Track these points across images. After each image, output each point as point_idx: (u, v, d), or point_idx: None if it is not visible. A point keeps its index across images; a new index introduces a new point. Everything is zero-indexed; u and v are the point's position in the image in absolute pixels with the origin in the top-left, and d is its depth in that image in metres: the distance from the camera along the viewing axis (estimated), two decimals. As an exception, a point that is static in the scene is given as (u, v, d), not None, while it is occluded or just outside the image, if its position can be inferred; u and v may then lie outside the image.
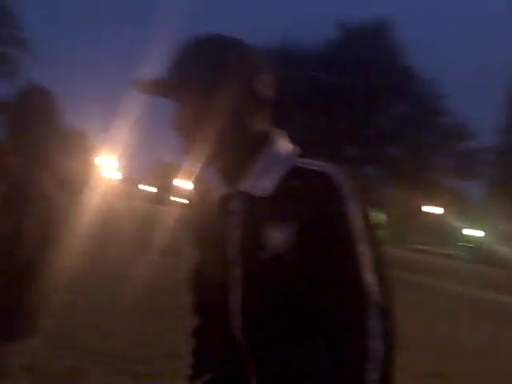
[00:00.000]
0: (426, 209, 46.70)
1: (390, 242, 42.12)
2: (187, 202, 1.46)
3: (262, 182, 1.24)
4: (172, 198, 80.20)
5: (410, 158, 33.01)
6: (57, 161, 2.36)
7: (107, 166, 53.42)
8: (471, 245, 61.37)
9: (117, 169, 61.28)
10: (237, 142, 1.27)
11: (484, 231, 54.79)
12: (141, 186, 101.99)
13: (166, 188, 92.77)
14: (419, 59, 36.33)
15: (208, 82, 1.22)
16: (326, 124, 33.80)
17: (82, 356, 4.98)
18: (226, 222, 1.29)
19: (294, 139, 1.33)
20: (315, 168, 1.21)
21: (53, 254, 2.30)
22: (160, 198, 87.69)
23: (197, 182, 1.44)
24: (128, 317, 6.43)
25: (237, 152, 1.28)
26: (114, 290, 7.73)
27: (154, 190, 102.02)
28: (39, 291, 2.29)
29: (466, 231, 60.49)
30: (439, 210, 47.36)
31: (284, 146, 1.31)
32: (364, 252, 1.19)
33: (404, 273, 20.52)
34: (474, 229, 58.15)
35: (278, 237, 1.19)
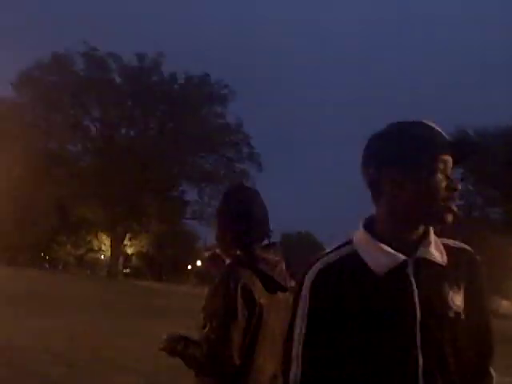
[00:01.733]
0: None
1: None
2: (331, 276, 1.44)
3: (436, 252, 1.43)
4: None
5: None
6: (265, 259, 2.29)
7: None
8: None
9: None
10: (421, 218, 1.44)
11: None
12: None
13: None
14: None
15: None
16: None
17: None
18: (406, 284, 1.39)
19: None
20: (461, 246, 1.54)
21: (264, 357, 2.19)
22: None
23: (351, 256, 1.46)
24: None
25: (417, 226, 1.44)
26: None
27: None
28: None
29: None
30: None
31: None
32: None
33: None
34: None
35: (456, 297, 1.42)
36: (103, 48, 50.79)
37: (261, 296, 2.19)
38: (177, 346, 2.19)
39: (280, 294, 2.31)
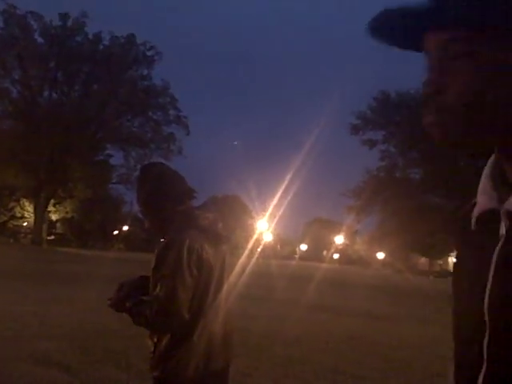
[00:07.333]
0: None
1: None
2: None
3: None
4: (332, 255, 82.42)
5: None
6: (205, 216, 2.40)
7: (263, 229, 55.24)
8: None
9: (271, 230, 62.80)
10: None
11: None
12: (302, 246, 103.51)
13: (321, 245, 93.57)
14: None
15: None
16: None
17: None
18: (486, 248, 0.86)
19: None
20: None
21: (209, 315, 2.31)
22: (313, 256, 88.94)
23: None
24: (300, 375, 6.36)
25: None
26: (287, 349, 7.67)
27: (306, 247, 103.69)
28: (199, 355, 2.27)
29: None
30: None
31: None
32: None
33: None
34: None
35: None
36: (23, 6, 48.54)
37: (207, 252, 2.31)
38: (125, 304, 2.29)
39: (224, 246, 2.47)
